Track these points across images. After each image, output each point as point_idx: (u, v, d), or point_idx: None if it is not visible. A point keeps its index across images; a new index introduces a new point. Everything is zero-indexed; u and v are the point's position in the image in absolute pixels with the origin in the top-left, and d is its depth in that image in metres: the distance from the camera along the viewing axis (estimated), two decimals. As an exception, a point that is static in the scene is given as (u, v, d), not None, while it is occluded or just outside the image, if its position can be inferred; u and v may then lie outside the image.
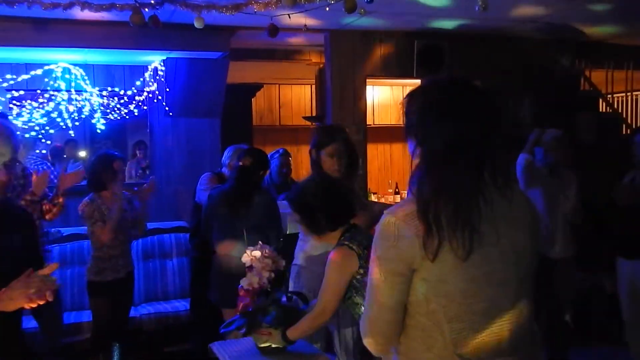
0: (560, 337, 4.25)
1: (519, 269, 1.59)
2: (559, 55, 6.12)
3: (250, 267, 2.78)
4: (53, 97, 5.28)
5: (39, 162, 5.04)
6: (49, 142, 5.38)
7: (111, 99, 5.53)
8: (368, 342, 1.64)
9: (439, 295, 1.53)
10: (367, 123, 5.68)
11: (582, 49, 6.25)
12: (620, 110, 7.09)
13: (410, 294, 1.56)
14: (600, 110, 6.74)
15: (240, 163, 3.96)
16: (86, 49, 4.98)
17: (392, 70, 5.69)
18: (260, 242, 2.91)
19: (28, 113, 5.23)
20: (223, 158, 4.50)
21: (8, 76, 5.16)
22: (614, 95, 7.03)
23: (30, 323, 3.89)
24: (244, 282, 2.76)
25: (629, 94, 7.02)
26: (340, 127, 3.67)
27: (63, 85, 5.28)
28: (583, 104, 6.26)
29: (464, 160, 1.53)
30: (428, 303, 1.54)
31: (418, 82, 5.90)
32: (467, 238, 1.49)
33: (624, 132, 6.64)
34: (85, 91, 5.40)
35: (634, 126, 6.73)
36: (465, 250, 1.49)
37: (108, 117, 5.51)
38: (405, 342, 1.61)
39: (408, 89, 7.04)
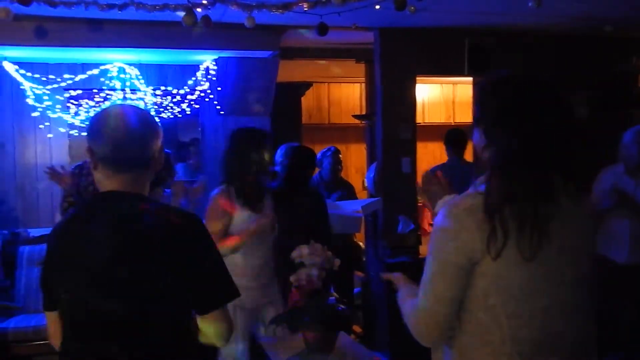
0: (626, 346, 4.11)
1: (578, 270, 1.58)
2: (614, 52, 5.96)
3: (301, 264, 2.80)
4: (109, 96, 5.41)
5: None
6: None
7: (164, 98, 5.64)
8: (419, 334, 1.63)
9: (499, 291, 1.52)
10: (417, 121, 5.64)
11: (638, 45, 6.08)
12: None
13: (469, 288, 1.55)
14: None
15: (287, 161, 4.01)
16: (140, 49, 5.09)
17: (442, 68, 5.64)
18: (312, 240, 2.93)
19: (85, 112, 5.38)
20: (276, 156, 4.53)
21: (66, 76, 5.32)
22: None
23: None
24: (292, 278, 2.79)
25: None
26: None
27: (118, 85, 5.41)
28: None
29: (536, 162, 1.51)
30: (487, 298, 1.53)
31: (469, 79, 5.84)
32: (535, 239, 1.48)
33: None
34: (140, 90, 5.52)
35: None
36: (532, 251, 1.48)
37: (161, 115, 5.62)
38: (460, 337, 1.60)
39: (458, 87, 7.00)
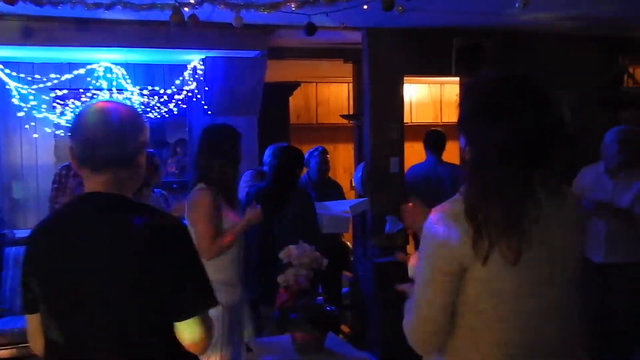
0: (618, 343, 4.12)
1: (567, 270, 1.57)
2: (600, 52, 6.00)
3: (289, 265, 2.80)
4: (95, 96, 5.37)
5: None
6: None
7: (151, 97, 5.61)
8: (416, 343, 1.61)
9: (489, 295, 1.51)
10: (405, 121, 5.65)
11: (625, 45, 6.12)
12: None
13: (460, 293, 1.54)
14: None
15: (275, 161, 4.00)
16: (127, 49, 5.06)
17: (430, 68, 5.65)
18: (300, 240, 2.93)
19: (71, 112, 5.34)
20: (264, 157, 4.51)
21: (52, 75, 5.27)
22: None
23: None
24: (280, 279, 2.78)
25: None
26: None
27: (105, 85, 5.38)
28: (626, 101, 6.13)
29: (515, 162, 1.50)
30: (478, 303, 1.52)
31: (457, 79, 5.86)
32: (515, 242, 1.46)
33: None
34: (126, 90, 5.48)
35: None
36: (515, 254, 1.47)
37: (148, 115, 5.58)
38: (451, 341, 1.59)
39: (446, 87, 7.03)
